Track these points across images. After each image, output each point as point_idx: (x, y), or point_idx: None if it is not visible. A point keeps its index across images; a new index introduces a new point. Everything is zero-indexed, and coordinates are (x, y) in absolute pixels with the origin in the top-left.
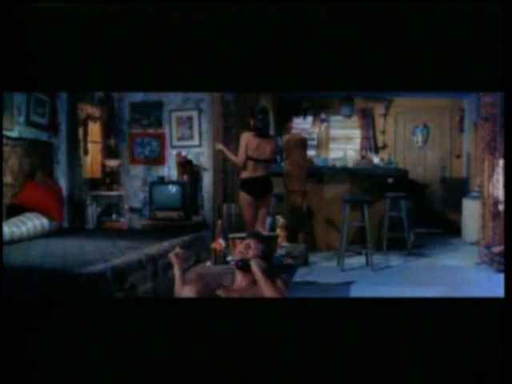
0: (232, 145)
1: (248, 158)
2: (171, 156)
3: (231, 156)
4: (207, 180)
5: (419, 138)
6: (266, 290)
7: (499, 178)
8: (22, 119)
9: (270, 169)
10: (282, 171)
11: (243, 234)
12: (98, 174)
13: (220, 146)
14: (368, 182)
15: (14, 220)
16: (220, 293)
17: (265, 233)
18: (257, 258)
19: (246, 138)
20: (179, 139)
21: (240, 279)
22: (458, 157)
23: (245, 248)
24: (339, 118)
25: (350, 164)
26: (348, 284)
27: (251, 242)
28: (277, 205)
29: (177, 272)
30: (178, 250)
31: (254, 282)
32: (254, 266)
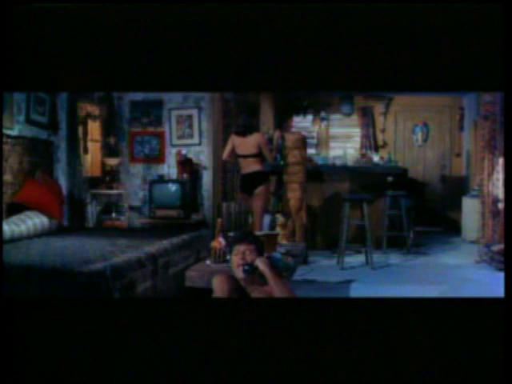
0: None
1: (237, 155)
2: (171, 154)
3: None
4: (207, 178)
5: (419, 136)
6: (278, 288)
7: (499, 176)
8: (21, 118)
9: (261, 164)
10: (282, 170)
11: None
12: (97, 173)
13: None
14: (368, 181)
15: (14, 219)
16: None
17: (261, 232)
18: (259, 257)
19: (231, 138)
20: (179, 137)
21: (244, 280)
22: (458, 155)
23: (242, 255)
24: (339, 116)
25: (350, 162)
26: (348, 282)
27: (243, 248)
28: (277, 203)
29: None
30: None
31: (260, 282)
32: (262, 265)
